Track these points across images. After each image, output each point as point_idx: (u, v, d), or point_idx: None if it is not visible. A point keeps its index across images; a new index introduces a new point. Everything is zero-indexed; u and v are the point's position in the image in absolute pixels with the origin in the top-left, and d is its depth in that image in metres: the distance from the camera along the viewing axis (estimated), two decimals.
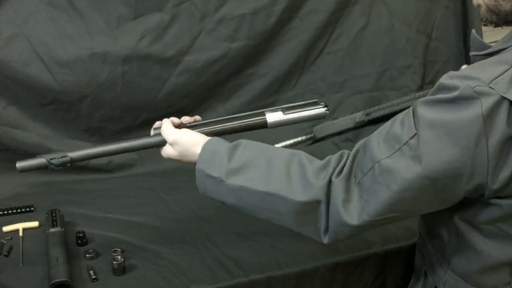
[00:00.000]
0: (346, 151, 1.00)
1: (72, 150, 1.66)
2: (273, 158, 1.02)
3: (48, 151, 1.64)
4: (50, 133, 1.66)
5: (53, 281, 1.11)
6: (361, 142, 0.99)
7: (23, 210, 1.47)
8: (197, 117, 1.20)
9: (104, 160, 1.72)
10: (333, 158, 1.00)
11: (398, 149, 0.89)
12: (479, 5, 0.98)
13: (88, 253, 1.25)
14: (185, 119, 1.18)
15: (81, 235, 1.31)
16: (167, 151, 1.13)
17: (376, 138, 0.95)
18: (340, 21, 1.89)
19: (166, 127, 1.13)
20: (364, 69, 1.94)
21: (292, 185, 0.97)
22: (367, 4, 1.89)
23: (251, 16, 1.73)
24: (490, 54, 0.93)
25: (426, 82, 1.98)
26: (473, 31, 1.03)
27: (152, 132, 1.18)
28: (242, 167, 1.02)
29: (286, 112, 1.18)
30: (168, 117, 1.77)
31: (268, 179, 0.99)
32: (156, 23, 1.65)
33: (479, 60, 0.94)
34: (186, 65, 1.72)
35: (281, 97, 1.90)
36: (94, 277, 1.17)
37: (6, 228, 1.37)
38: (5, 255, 1.26)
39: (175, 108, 1.78)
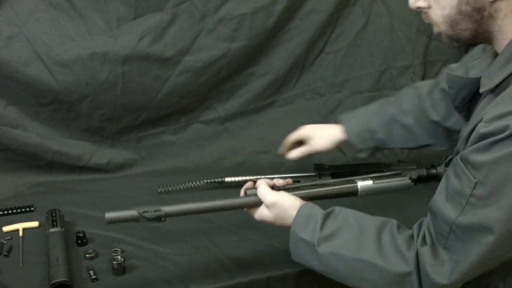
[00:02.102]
0: (424, 218, 1.01)
1: (72, 150, 1.69)
2: (365, 224, 1.03)
3: (48, 151, 1.65)
4: (50, 133, 1.66)
5: (53, 281, 1.11)
6: (429, 204, 0.99)
7: (23, 210, 1.47)
8: (289, 181, 1.21)
9: (104, 160, 1.72)
10: (415, 227, 1.01)
11: (466, 203, 0.89)
12: (439, 33, 1.00)
13: (88, 253, 1.25)
14: (279, 182, 1.19)
15: (81, 235, 1.31)
16: (262, 212, 1.14)
17: (439, 198, 0.95)
18: (340, 21, 1.89)
19: (265, 189, 1.14)
20: (364, 69, 1.94)
21: (384, 254, 0.98)
22: (367, 4, 1.89)
23: (251, 16, 1.73)
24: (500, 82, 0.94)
25: None
26: (448, 72, 1.07)
27: (242, 192, 1.20)
28: (333, 233, 1.04)
29: (375, 182, 1.22)
30: (168, 117, 1.79)
31: (359, 245, 1.01)
32: (156, 23, 1.65)
33: (490, 93, 0.95)
34: (186, 65, 1.72)
35: (281, 97, 1.90)
36: (94, 277, 1.17)
37: (6, 228, 1.37)
38: (5, 255, 1.26)
39: (175, 108, 1.78)
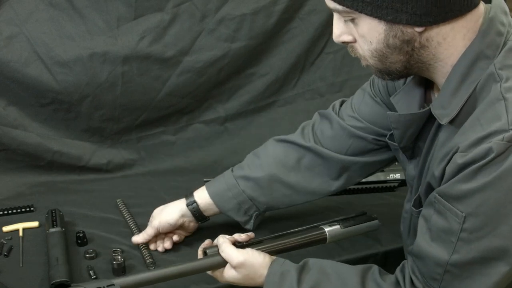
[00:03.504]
0: (405, 262, 0.96)
1: (72, 150, 1.69)
2: (344, 274, 0.98)
3: (48, 151, 1.64)
4: (50, 133, 1.66)
5: (53, 281, 1.11)
6: (411, 250, 0.94)
7: (23, 210, 1.47)
8: (251, 235, 1.13)
9: (104, 160, 1.72)
10: (398, 272, 0.96)
11: (458, 240, 0.84)
12: (367, 66, 0.95)
13: (88, 253, 1.25)
14: (241, 237, 1.11)
15: (81, 235, 1.31)
16: (228, 274, 1.05)
17: (425, 243, 0.90)
18: None
19: (229, 248, 1.05)
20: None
21: None
22: None
23: (251, 16, 1.73)
24: (458, 113, 0.89)
25: None
26: (389, 113, 1.00)
27: (200, 251, 1.12)
28: None
29: (343, 226, 1.17)
30: (168, 117, 1.79)
31: None
32: (156, 23, 1.65)
33: (449, 124, 0.90)
34: (186, 65, 1.72)
35: (281, 97, 1.90)
36: (94, 277, 1.17)
37: (6, 228, 1.37)
38: (5, 255, 1.26)
39: (175, 108, 1.78)
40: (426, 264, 0.89)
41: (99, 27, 1.61)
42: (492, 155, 0.78)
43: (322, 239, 1.16)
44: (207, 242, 1.14)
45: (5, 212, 1.45)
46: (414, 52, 0.89)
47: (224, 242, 1.07)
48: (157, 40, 1.66)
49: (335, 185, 1.28)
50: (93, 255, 1.25)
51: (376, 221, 1.22)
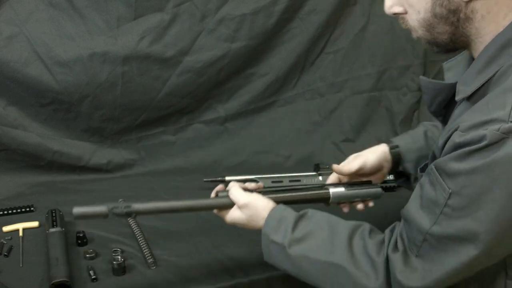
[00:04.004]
0: (397, 223, 0.99)
1: (72, 150, 1.69)
2: (337, 228, 1.02)
3: (48, 151, 1.65)
4: (50, 133, 1.66)
5: (53, 281, 1.10)
6: (402, 212, 0.97)
7: (23, 210, 1.47)
8: (261, 185, 1.19)
9: (104, 160, 1.72)
10: (387, 232, 0.99)
11: (440, 213, 0.87)
12: (418, 38, 0.98)
13: (88, 253, 1.25)
14: (251, 185, 1.17)
15: (81, 235, 1.31)
16: (234, 214, 1.12)
17: (413, 206, 0.93)
18: (340, 21, 1.89)
19: (237, 191, 1.12)
20: (364, 69, 1.94)
21: (354, 258, 0.97)
22: (367, 4, 1.90)
23: (251, 16, 1.74)
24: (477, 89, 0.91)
25: None
26: (422, 77, 1.03)
27: (213, 194, 1.17)
28: (305, 236, 1.02)
29: (347, 189, 1.21)
30: (168, 117, 1.79)
31: (330, 249, 0.99)
32: (156, 23, 1.65)
33: (467, 100, 0.93)
34: (186, 65, 1.72)
35: (281, 97, 1.90)
36: (94, 277, 1.17)
37: (6, 228, 1.37)
38: (5, 255, 1.26)
39: (175, 108, 1.78)
40: (411, 229, 0.93)
41: (99, 27, 1.61)
42: (484, 143, 0.81)
43: (326, 198, 1.20)
44: (220, 186, 1.18)
45: (5, 212, 1.45)
46: (459, 23, 0.91)
47: (233, 186, 1.14)
48: (157, 40, 1.66)
49: None
50: (93, 255, 1.25)
51: (379, 189, 1.24)
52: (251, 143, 1.86)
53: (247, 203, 1.10)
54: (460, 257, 0.86)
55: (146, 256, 1.25)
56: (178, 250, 1.29)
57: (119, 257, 1.19)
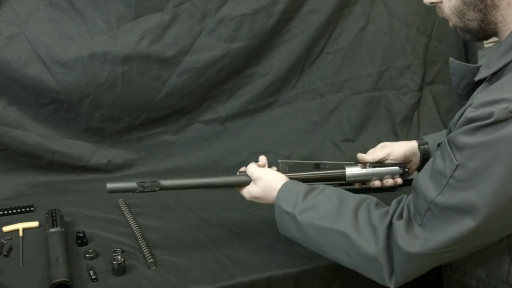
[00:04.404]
0: (405, 195, 1.04)
1: (72, 150, 1.69)
2: (345, 200, 1.07)
3: (48, 151, 1.65)
4: (50, 133, 1.66)
5: (53, 281, 1.11)
6: (412, 182, 1.01)
7: (23, 210, 1.47)
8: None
9: (104, 160, 1.72)
10: (393, 202, 1.04)
11: (446, 184, 0.91)
12: (454, 26, 1.03)
13: (88, 253, 1.25)
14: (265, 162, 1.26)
15: (81, 235, 1.31)
16: (250, 188, 1.20)
17: (423, 177, 0.97)
18: (340, 21, 1.89)
19: (252, 165, 1.21)
20: (364, 69, 1.94)
21: (357, 226, 1.02)
22: (367, 4, 1.90)
23: (251, 16, 1.73)
24: (495, 72, 0.96)
25: (426, 82, 1.99)
26: (451, 59, 1.08)
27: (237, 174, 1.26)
28: (314, 206, 1.08)
29: (363, 167, 1.28)
30: (168, 117, 1.79)
31: (336, 217, 1.04)
32: (156, 23, 1.65)
33: (486, 81, 0.97)
34: (186, 65, 1.72)
35: (281, 97, 1.90)
36: (94, 277, 1.17)
37: (6, 228, 1.37)
38: (5, 255, 1.26)
39: (175, 108, 1.78)
40: (418, 198, 0.97)
41: (99, 27, 1.61)
42: (492, 119, 0.85)
43: (341, 176, 1.27)
44: (243, 168, 1.26)
45: (5, 212, 1.45)
46: (487, 10, 0.96)
47: (251, 164, 1.23)
48: (157, 40, 1.66)
49: None
50: (93, 255, 1.25)
51: (397, 168, 1.29)
52: (251, 143, 1.86)
53: (261, 176, 1.18)
54: (458, 228, 0.90)
55: (146, 256, 1.25)
56: (178, 250, 1.30)
57: (119, 257, 1.19)
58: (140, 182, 1.16)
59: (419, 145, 1.34)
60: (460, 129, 0.90)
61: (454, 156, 0.90)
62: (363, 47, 1.92)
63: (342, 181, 1.28)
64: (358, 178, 1.29)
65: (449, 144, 0.92)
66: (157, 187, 1.17)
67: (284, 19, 1.80)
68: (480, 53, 1.13)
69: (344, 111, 1.93)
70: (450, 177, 0.90)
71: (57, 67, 1.59)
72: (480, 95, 0.91)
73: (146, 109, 1.74)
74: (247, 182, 1.21)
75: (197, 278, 1.19)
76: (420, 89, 1.97)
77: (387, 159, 1.31)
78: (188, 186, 1.21)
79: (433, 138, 1.35)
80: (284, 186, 1.14)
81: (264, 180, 1.17)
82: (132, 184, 1.16)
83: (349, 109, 1.93)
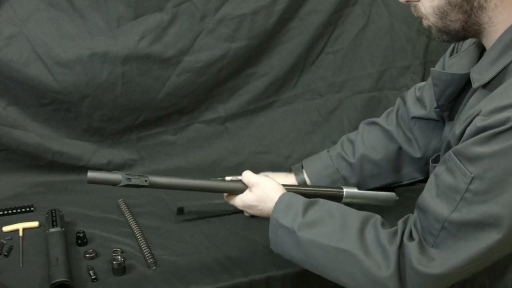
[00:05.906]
0: (411, 215, 0.99)
1: (72, 150, 1.69)
2: (348, 217, 1.02)
3: (48, 151, 1.65)
4: (50, 133, 1.66)
5: (53, 281, 1.11)
6: (417, 202, 0.97)
7: (23, 210, 1.47)
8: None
9: (104, 160, 1.72)
10: (400, 222, 0.99)
11: (461, 199, 0.86)
12: (429, 26, 0.99)
13: (88, 253, 1.25)
14: (264, 174, 1.22)
15: (81, 235, 1.31)
16: (244, 196, 1.15)
17: (430, 197, 0.93)
18: (340, 21, 1.89)
19: (249, 173, 1.17)
20: (364, 69, 1.94)
21: (365, 246, 0.96)
22: (367, 4, 1.90)
23: (251, 16, 1.73)
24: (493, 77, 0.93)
25: None
26: (433, 69, 1.05)
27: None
28: (316, 221, 1.02)
29: (360, 189, 1.27)
30: (168, 117, 1.79)
31: (341, 236, 0.99)
32: (156, 23, 1.65)
33: (482, 88, 0.94)
34: (186, 65, 1.72)
35: (281, 97, 1.90)
36: (94, 277, 1.17)
37: (6, 228, 1.37)
38: (5, 255, 1.26)
39: (175, 108, 1.78)
40: (427, 218, 0.92)
41: (99, 27, 1.61)
42: (509, 124, 0.81)
43: (339, 196, 1.24)
44: (229, 177, 1.27)
45: (5, 212, 1.45)
46: (472, 11, 0.92)
47: (246, 171, 1.18)
48: (157, 40, 1.66)
49: (420, 171, 1.38)
50: (93, 255, 1.25)
51: (393, 194, 1.26)
52: (251, 143, 1.86)
53: (258, 182, 1.13)
54: (480, 243, 0.85)
55: (146, 256, 1.25)
56: (178, 250, 1.30)
57: (119, 257, 1.19)
58: (126, 175, 1.06)
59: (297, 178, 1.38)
60: (471, 140, 0.86)
61: (466, 169, 0.85)
62: (363, 47, 1.92)
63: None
64: (354, 200, 1.25)
65: (457, 157, 0.87)
66: (145, 181, 1.07)
67: (284, 19, 1.80)
68: (448, 63, 1.10)
69: (344, 111, 1.93)
70: (466, 191, 0.85)
71: (57, 67, 1.59)
72: (484, 103, 0.87)
73: (146, 109, 1.74)
74: (241, 190, 1.16)
75: (197, 278, 1.19)
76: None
77: None
78: (179, 187, 1.14)
79: (314, 170, 1.38)
80: (282, 197, 1.08)
81: (262, 187, 1.12)
82: (116, 176, 1.06)
83: (349, 109, 1.93)
